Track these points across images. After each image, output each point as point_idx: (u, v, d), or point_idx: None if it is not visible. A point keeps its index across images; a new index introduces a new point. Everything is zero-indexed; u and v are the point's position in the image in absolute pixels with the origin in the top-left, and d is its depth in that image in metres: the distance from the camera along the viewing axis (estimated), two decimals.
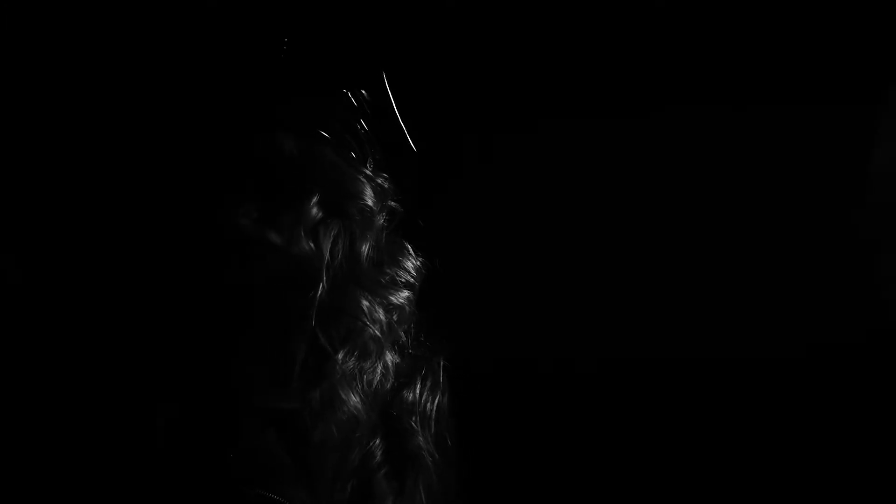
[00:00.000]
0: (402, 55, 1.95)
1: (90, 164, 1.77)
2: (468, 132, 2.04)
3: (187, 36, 1.56)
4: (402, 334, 1.58)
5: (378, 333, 1.53)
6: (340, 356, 1.48)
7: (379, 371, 1.54)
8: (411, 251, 1.63)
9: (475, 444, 1.68)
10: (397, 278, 1.58)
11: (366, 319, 1.51)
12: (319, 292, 1.46)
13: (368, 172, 1.57)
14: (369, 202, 1.55)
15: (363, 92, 1.61)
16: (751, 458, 2.03)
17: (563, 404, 2.06)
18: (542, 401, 2.04)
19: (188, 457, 1.40)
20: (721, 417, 2.04)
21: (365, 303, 1.52)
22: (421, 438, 1.59)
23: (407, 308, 1.58)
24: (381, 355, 1.54)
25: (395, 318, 1.56)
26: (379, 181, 1.57)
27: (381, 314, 1.53)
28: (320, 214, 1.49)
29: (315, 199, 1.48)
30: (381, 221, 1.57)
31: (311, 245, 1.47)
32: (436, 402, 1.63)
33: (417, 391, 1.61)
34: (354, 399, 1.49)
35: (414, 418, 1.59)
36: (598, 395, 2.05)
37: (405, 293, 1.58)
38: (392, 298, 1.56)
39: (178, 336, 1.45)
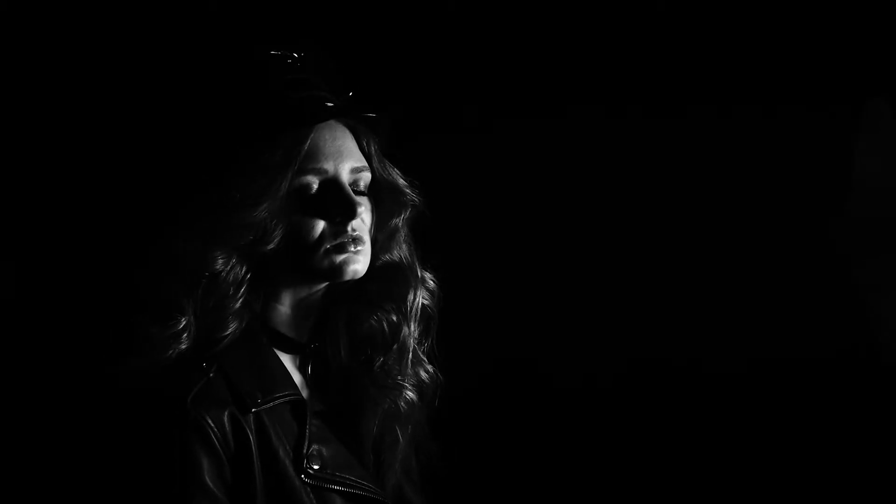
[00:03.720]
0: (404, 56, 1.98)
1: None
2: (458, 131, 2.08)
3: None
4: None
5: (432, 305, 1.68)
6: (412, 326, 1.64)
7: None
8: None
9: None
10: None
11: (424, 292, 1.66)
12: (417, 290, 1.64)
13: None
14: (410, 192, 1.64)
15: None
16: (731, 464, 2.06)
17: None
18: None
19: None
20: (700, 423, 2.08)
21: (428, 274, 1.68)
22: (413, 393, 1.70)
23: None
24: (433, 325, 1.69)
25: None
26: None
27: (432, 286, 1.68)
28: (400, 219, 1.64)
29: (407, 213, 1.63)
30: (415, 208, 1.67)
31: (405, 250, 1.64)
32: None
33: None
34: (427, 369, 1.67)
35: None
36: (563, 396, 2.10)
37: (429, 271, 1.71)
38: (428, 273, 1.70)
39: None
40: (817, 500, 2.03)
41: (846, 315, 2.04)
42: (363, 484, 1.55)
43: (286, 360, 1.58)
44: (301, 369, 1.61)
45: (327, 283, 1.59)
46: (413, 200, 1.63)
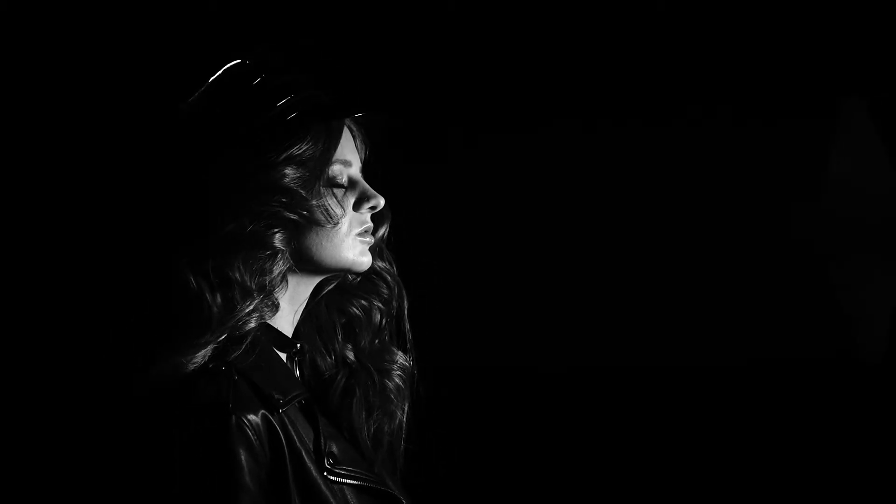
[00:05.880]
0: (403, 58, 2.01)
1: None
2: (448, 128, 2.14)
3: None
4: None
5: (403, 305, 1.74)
6: (398, 321, 1.72)
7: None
8: None
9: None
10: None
11: (391, 280, 1.72)
12: (400, 293, 1.72)
13: None
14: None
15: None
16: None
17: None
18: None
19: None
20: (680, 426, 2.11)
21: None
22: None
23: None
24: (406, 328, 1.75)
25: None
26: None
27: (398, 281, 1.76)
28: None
29: (389, 222, 1.70)
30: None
31: (387, 258, 1.72)
32: None
33: None
34: (400, 357, 1.72)
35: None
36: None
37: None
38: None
39: None
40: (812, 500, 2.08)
41: (840, 315, 2.08)
42: (370, 476, 1.59)
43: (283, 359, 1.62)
44: (291, 368, 1.65)
45: (323, 279, 1.64)
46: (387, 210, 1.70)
